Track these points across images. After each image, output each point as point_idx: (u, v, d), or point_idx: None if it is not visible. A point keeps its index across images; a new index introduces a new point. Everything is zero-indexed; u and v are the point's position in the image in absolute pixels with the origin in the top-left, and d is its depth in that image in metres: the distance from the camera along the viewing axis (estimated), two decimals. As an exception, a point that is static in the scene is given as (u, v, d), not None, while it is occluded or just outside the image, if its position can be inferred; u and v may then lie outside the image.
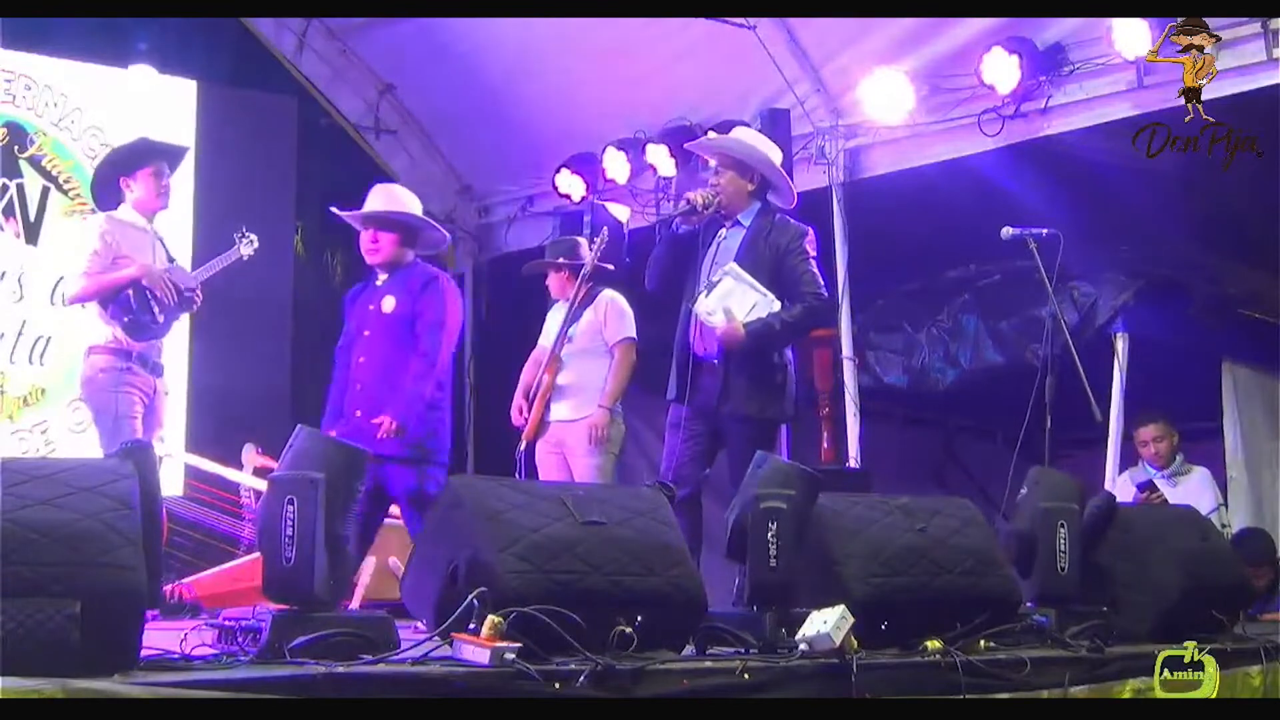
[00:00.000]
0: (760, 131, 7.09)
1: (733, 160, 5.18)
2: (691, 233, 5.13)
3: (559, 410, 6.15)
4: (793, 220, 5.21)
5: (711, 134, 5.75)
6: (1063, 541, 4.08)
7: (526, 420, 6.17)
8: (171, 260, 5.59)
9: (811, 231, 5.19)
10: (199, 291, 5.56)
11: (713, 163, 5.28)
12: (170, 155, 5.64)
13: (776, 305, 4.94)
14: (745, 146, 5.23)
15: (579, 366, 6.15)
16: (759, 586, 3.45)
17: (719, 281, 4.96)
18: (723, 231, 5.15)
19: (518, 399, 6.27)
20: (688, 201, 5.11)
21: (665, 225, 5.29)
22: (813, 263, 5.12)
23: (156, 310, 5.40)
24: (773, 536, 3.42)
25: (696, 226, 5.14)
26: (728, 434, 4.99)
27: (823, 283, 5.14)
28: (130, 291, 5.36)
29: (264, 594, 3.04)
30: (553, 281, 6.41)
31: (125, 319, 5.35)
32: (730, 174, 5.15)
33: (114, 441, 5.08)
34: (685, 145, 5.55)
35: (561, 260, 6.36)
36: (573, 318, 6.15)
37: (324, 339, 8.28)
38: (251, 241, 5.80)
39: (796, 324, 5.05)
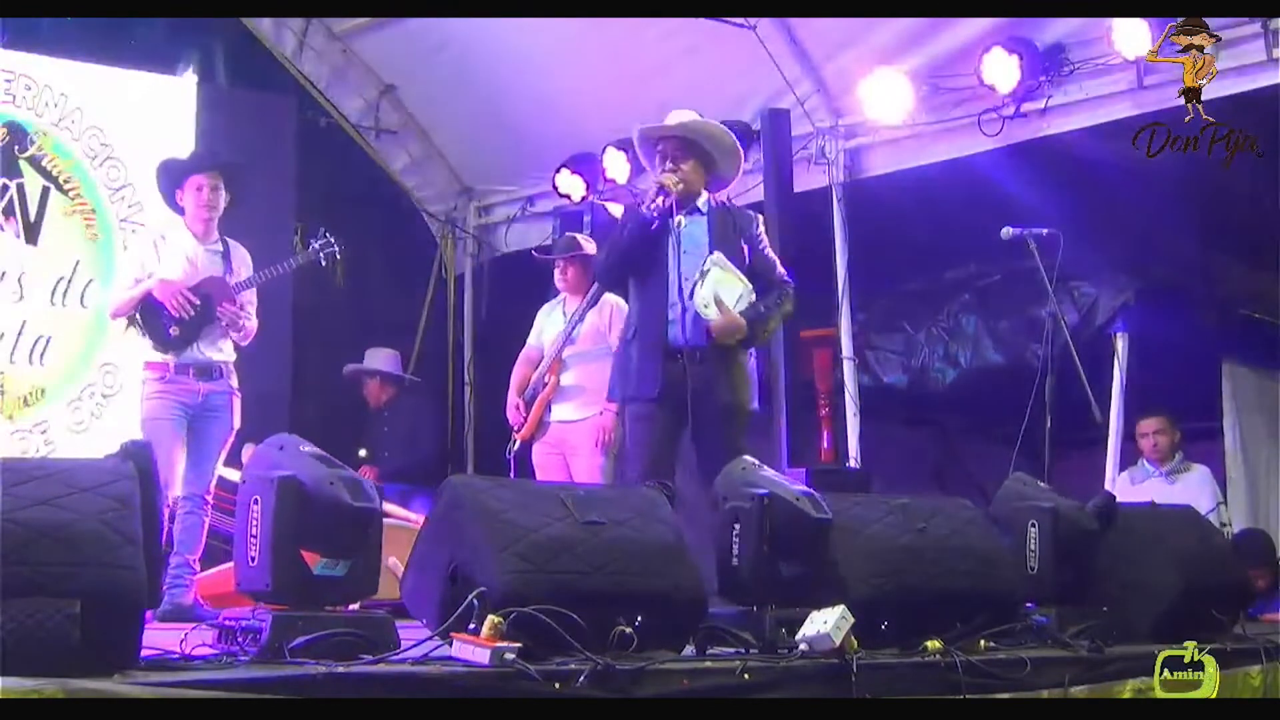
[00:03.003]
0: (760, 132, 7.12)
1: (699, 147, 5.05)
2: (663, 226, 4.96)
3: (561, 411, 6.13)
4: (737, 206, 5.18)
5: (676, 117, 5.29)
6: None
7: (525, 419, 6.16)
8: (230, 272, 5.64)
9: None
10: (236, 301, 5.59)
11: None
12: (215, 166, 5.68)
13: (753, 295, 4.91)
14: (708, 132, 5.10)
15: (582, 368, 6.14)
16: None
17: (709, 271, 4.84)
18: (680, 220, 4.96)
19: (514, 397, 6.26)
20: (661, 189, 4.93)
21: (635, 216, 5.00)
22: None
23: (170, 324, 5.49)
24: None
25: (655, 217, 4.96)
26: (705, 424, 4.83)
27: None
28: (142, 307, 5.52)
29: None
30: (562, 278, 6.35)
31: (144, 335, 5.54)
32: (694, 161, 5.02)
33: (158, 452, 5.11)
34: (642, 129, 5.10)
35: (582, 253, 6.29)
36: (577, 319, 6.12)
37: (324, 339, 8.35)
38: (327, 245, 5.95)
39: (785, 313, 5.06)
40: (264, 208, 7.36)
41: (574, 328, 6.13)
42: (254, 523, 2.99)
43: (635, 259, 4.99)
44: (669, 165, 5.00)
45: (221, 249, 5.69)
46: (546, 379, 6.15)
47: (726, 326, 4.84)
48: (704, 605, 3.34)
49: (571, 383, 6.12)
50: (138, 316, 5.55)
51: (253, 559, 2.99)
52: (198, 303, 5.51)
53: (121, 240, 7.32)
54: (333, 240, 5.99)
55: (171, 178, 5.72)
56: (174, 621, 4.94)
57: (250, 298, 5.75)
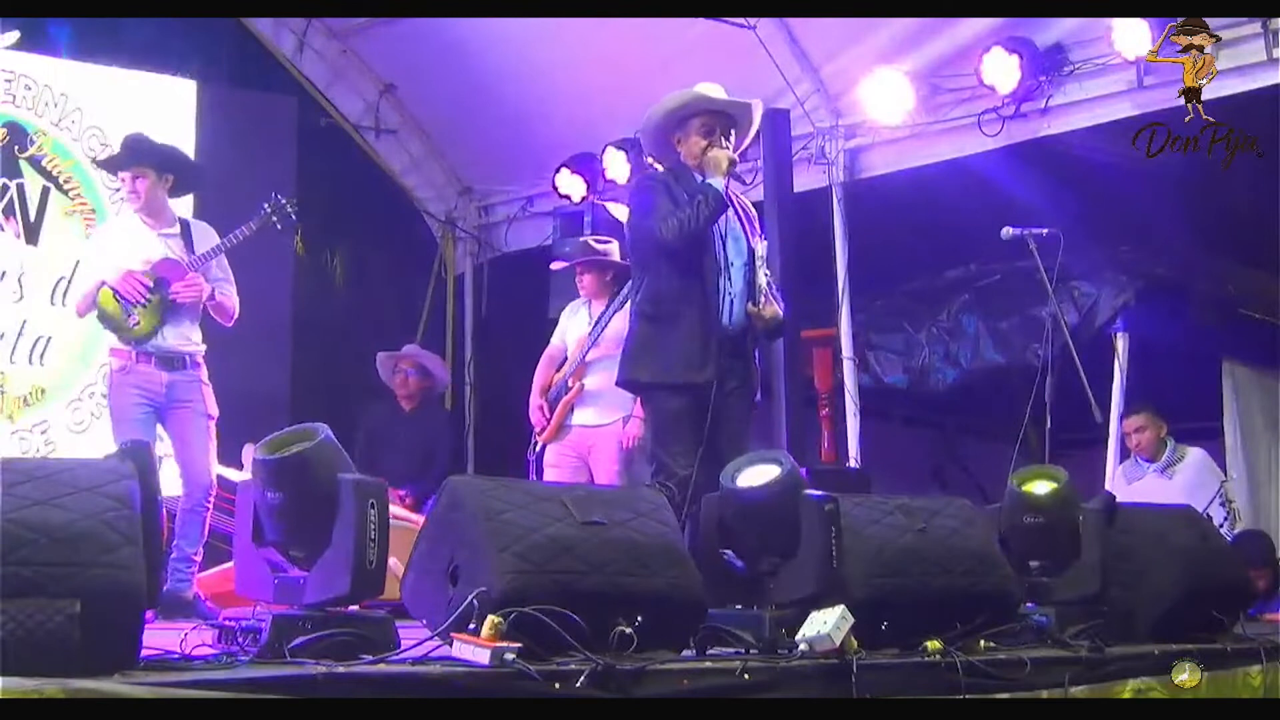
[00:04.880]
0: (759, 132, 7.10)
1: (747, 120, 4.92)
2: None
3: (582, 416, 6.04)
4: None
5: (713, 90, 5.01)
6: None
7: (549, 420, 6.07)
8: (192, 253, 5.53)
9: None
10: (193, 278, 5.46)
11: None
12: (139, 160, 5.55)
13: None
14: (752, 114, 4.94)
15: (606, 373, 6.02)
16: None
17: (762, 257, 4.77)
18: None
19: (536, 399, 6.17)
20: (734, 164, 4.77)
21: (711, 190, 4.69)
22: None
23: (128, 313, 5.40)
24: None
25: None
26: (740, 412, 4.77)
27: None
28: (99, 296, 5.43)
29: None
30: (585, 281, 6.25)
31: (107, 323, 5.44)
32: (737, 136, 4.88)
33: (121, 440, 5.11)
34: (723, 101, 4.81)
35: (597, 257, 6.22)
36: (602, 323, 6.05)
37: (324, 339, 8.35)
38: (279, 206, 5.78)
39: None
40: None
41: (599, 331, 6.01)
42: (371, 527, 2.93)
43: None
44: (728, 141, 4.80)
45: (178, 231, 5.59)
46: (570, 383, 6.07)
47: (775, 315, 4.79)
48: (704, 606, 3.33)
49: (595, 387, 5.98)
50: (100, 309, 5.43)
51: (371, 562, 2.93)
52: (151, 284, 5.39)
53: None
54: (284, 200, 5.80)
55: (110, 169, 5.68)
56: (172, 612, 4.95)
57: (221, 274, 5.62)
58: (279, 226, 5.90)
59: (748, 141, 5.03)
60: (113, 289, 5.40)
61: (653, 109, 4.93)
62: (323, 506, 2.97)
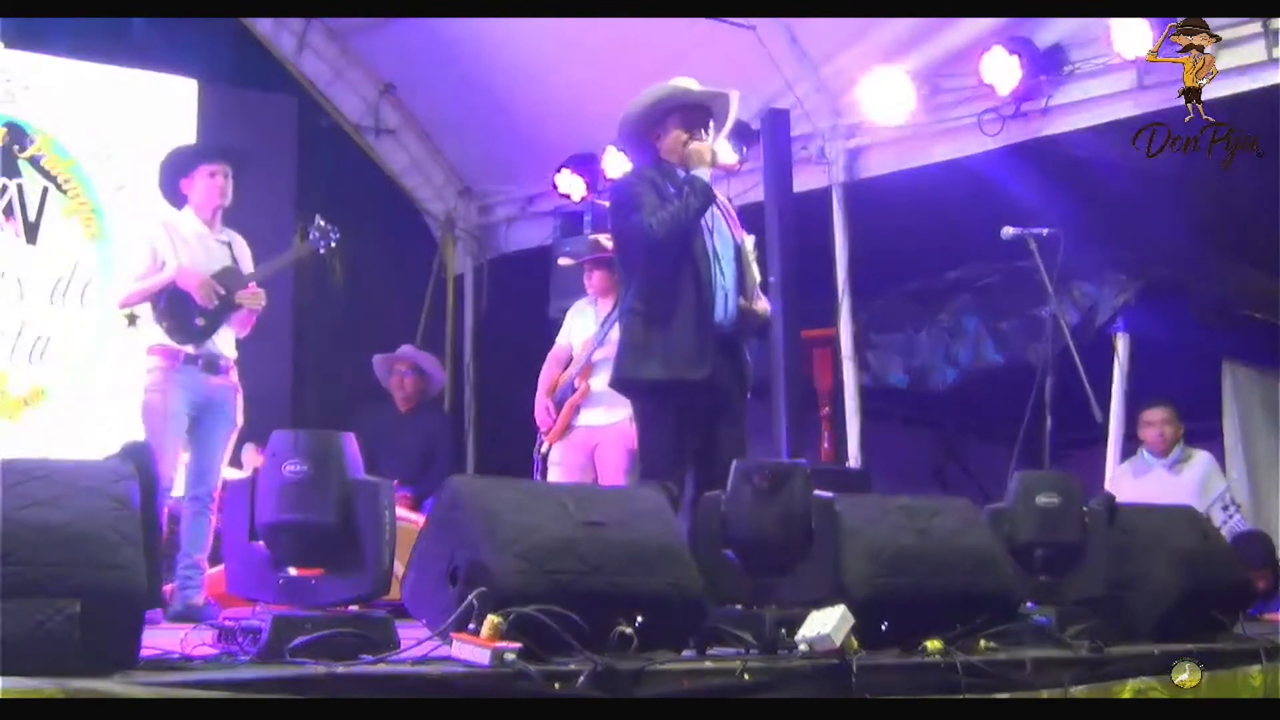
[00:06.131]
0: (759, 132, 7.12)
1: (724, 111, 4.86)
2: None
3: (590, 416, 5.99)
4: None
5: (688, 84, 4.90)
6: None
7: (555, 420, 6.06)
8: (235, 263, 5.57)
9: None
10: (255, 288, 5.54)
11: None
12: (226, 156, 5.62)
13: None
14: (731, 99, 4.87)
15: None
16: None
17: (751, 253, 4.75)
18: None
19: (543, 399, 6.14)
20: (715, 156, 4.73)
21: (698, 183, 4.64)
22: None
23: (196, 314, 5.42)
24: None
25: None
26: (736, 411, 4.75)
27: None
28: (167, 295, 5.41)
29: None
30: (589, 281, 6.22)
31: (165, 323, 5.42)
32: (715, 127, 4.83)
33: (158, 441, 5.12)
34: (693, 92, 4.72)
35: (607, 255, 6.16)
36: (609, 322, 6.01)
37: (324, 339, 8.36)
38: (325, 234, 5.82)
39: None
40: (264, 208, 7.38)
41: (605, 331, 5.94)
42: (388, 529, 3.04)
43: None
44: (707, 133, 4.76)
45: (226, 239, 5.63)
46: (577, 384, 6.03)
47: (766, 310, 4.77)
48: (705, 606, 3.33)
49: (601, 388, 5.81)
50: (161, 305, 5.42)
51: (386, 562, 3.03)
52: (224, 293, 5.44)
53: (122, 239, 7.32)
54: (329, 227, 5.85)
55: (180, 165, 5.60)
56: (187, 622, 4.95)
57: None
58: (323, 251, 5.92)
59: (725, 131, 4.97)
60: (185, 290, 5.39)
61: (630, 106, 4.87)
62: (341, 494, 3.02)
